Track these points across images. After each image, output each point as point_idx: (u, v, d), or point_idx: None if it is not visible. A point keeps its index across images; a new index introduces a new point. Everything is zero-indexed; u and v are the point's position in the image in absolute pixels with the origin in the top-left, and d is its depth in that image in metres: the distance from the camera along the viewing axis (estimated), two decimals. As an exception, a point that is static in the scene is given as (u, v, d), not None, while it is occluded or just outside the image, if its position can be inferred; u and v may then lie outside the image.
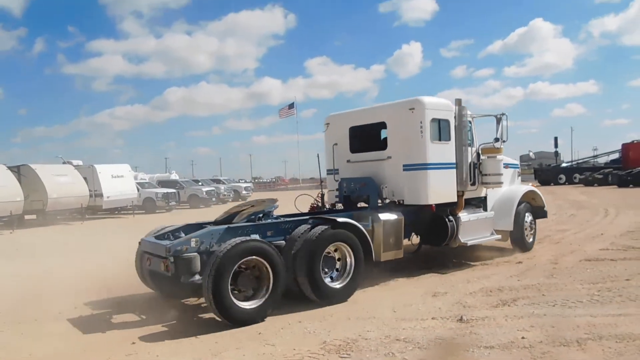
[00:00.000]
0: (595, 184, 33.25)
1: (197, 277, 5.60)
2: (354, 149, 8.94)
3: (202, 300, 6.56)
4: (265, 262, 5.82)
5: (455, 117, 8.18)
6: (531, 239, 9.65)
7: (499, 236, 9.00)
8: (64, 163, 24.99)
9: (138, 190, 26.27)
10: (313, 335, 5.07)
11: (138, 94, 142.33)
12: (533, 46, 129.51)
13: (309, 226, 6.53)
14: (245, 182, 55.54)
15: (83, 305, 6.67)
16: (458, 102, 8.25)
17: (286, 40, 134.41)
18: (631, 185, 30.30)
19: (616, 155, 39.43)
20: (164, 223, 7.45)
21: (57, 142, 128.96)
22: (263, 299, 5.78)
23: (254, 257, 5.75)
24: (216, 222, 7.01)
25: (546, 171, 42.23)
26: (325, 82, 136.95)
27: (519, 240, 9.38)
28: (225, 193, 34.10)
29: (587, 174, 35.92)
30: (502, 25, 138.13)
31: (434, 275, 7.75)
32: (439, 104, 8.11)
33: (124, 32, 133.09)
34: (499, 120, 8.80)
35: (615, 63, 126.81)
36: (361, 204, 8.57)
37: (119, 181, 24.78)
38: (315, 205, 8.90)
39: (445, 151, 8.08)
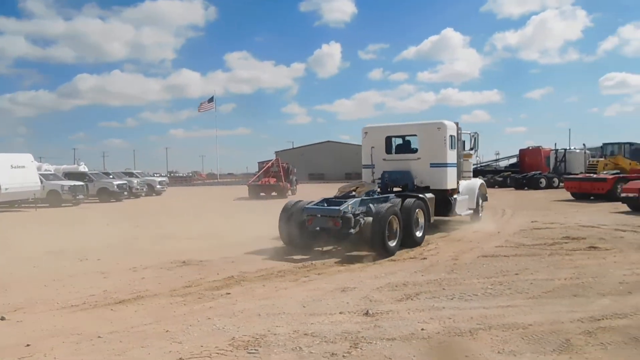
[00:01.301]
0: (496, 186, 35.54)
1: (352, 230, 9.17)
2: (389, 151, 12.70)
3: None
4: (397, 219, 9.58)
5: (456, 133, 12.33)
6: (481, 214, 14.17)
7: (472, 211, 13.42)
8: (-48, 150, 22.66)
9: (41, 182, 24.44)
10: (222, 331, 5.06)
11: (44, 79, 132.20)
12: (444, 54, 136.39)
13: (400, 199, 10.33)
14: (161, 176, 53.66)
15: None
16: (456, 124, 12.44)
17: (206, 33, 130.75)
18: (526, 188, 32.93)
19: (515, 160, 42.52)
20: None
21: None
22: (395, 241, 9.48)
23: (393, 215, 9.40)
24: (336, 197, 10.58)
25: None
26: (246, 77, 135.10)
27: (477, 215, 13.81)
28: (139, 187, 32.75)
29: (489, 176, 38.39)
30: (416, 32, 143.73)
31: (344, 272, 8.00)
32: (451, 126, 12.20)
33: (27, 11, 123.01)
34: (472, 136, 13.56)
35: (515, 75, 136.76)
36: (395, 189, 12.22)
37: (19, 172, 22.87)
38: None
39: (453, 156, 12.24)
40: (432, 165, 11.91)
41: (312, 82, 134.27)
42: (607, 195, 20.58)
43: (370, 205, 9.72)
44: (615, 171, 24.51)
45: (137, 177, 35.88)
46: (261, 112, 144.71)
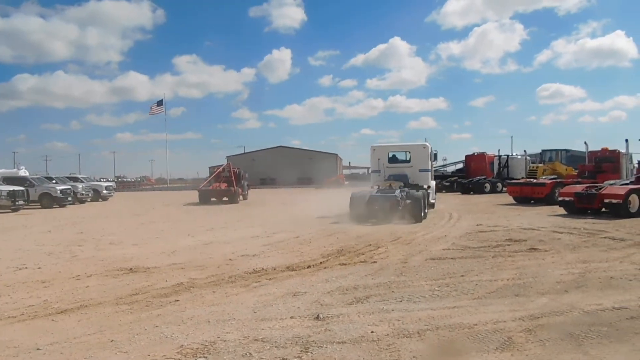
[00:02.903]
0: (444, 191, 36.45)
1: (400, 207, 15.32)
2: (390, 161, 19.10)
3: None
4: (423, 200, 15.94)
5: (431, 150, 19.10)
6: (435, 202, 20.21)
7: (435, 200, 19.84)
8: None
9: (-24, 187, 23.10)
10: (170, 339, 4.95)
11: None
12: (392, 62, 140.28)
13: (416, 189, 16.61)
14: (107, 180, 51.94)
15: None
16: (429, 143, 19.19)
17: (154, 35, 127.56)
18: (472, 192, 34.08)
19: (461, 165, 43.76)
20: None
21: None
22: (424, 212, 16.24)
23: (423, 198, 15.94)
24: (380, 189, 16.80)
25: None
26: (195, 82, 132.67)
27: (433, 205, 19.36)
28: (84, 192, 31.59)
29: (437, 181, 39.35)
30: (364, 40, 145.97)
31: (295, 276, 8.00)
32: (430, 145, 19.01)
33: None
34: (434, 152, 19.78)
35: (460, 84, 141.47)
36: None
37: (-49, 177, 21.56)
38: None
39: (430, 164, 19.24)
40: (421, 170, 18.49)
41: (262, 87, 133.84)
42: (546, 199, 21.64)
43: (402, 193, 15.84)
44: (553, 176, 25.77)
45: (82, 182, 34.61)
46: (211, 117, 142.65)
